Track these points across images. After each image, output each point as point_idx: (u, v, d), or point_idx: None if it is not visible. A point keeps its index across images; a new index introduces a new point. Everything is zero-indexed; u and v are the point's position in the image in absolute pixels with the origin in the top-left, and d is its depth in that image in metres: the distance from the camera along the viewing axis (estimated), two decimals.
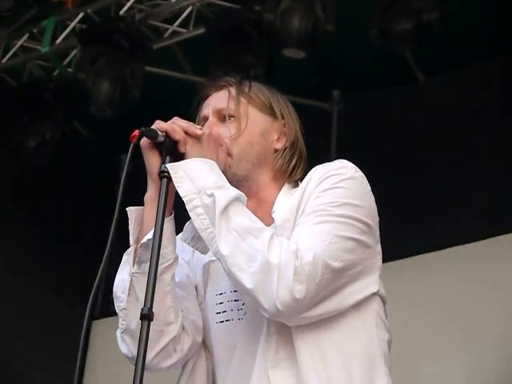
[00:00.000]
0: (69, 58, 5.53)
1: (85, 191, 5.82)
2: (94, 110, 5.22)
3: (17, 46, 5.57)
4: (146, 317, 1.82)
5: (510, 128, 4.85)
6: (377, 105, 5.37)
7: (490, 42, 5.00)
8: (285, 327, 1.99)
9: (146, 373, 1.80)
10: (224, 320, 2.13)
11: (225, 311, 2.14)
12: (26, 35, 5.56)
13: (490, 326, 4.57)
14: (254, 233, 1.94)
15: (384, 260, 2.13)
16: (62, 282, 5.60)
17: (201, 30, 5.20)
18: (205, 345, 2.17)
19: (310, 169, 2.24)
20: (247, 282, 1.91)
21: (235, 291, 2.11)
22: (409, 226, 4.88)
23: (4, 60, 5.59)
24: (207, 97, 2.28)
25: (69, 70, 5.53)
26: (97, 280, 1.91)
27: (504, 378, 4.46)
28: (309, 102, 5.37)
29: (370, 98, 5.35)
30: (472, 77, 5.12)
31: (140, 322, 1.94)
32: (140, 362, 1.78)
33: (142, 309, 1.84)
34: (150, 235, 1.99)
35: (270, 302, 1.90)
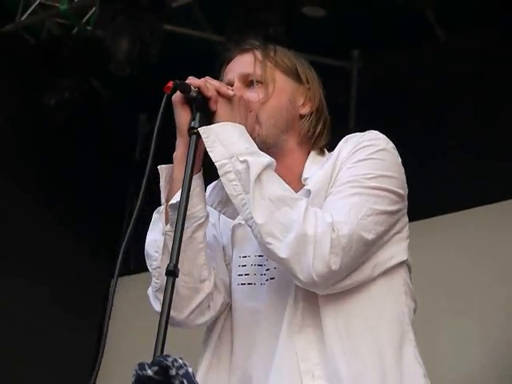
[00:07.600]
0: (87, 16, 5.51)
1: (103, 150, 5.82)
2: (112, 69, 5.21)
3: (36, 4, 5.54)
4: (172, 273, 1.84)
5: None
6: (397, 63, 5.32)
7: None
8: (311, 294, 2.01)
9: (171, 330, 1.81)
10: (246, 283, 2.15)
11: (247, 274, 2.15)
12: None
13: None
14: (289, 202, 1.95)
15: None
16: (83, 240, 5.63)
17: None
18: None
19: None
20: (281, 252, 1.93)
21: (260, 256, 2.12)
22: (430, 186, 4.85)
23: (23, 17, 5.57)
24: (230, 61, 2.25)
25: (87, 27, 5.52)
26: (126, 237, 1.90)
27: None
28: (328, 61, 5.34)
29: (389, 56, 5.30)
30: (494, 34, 5.05)
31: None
32: (164, 317, 1.80)
33: (168, 265, 1.85)
34: (178, 196, 1.98)
35: (305, 272, 1.92)
